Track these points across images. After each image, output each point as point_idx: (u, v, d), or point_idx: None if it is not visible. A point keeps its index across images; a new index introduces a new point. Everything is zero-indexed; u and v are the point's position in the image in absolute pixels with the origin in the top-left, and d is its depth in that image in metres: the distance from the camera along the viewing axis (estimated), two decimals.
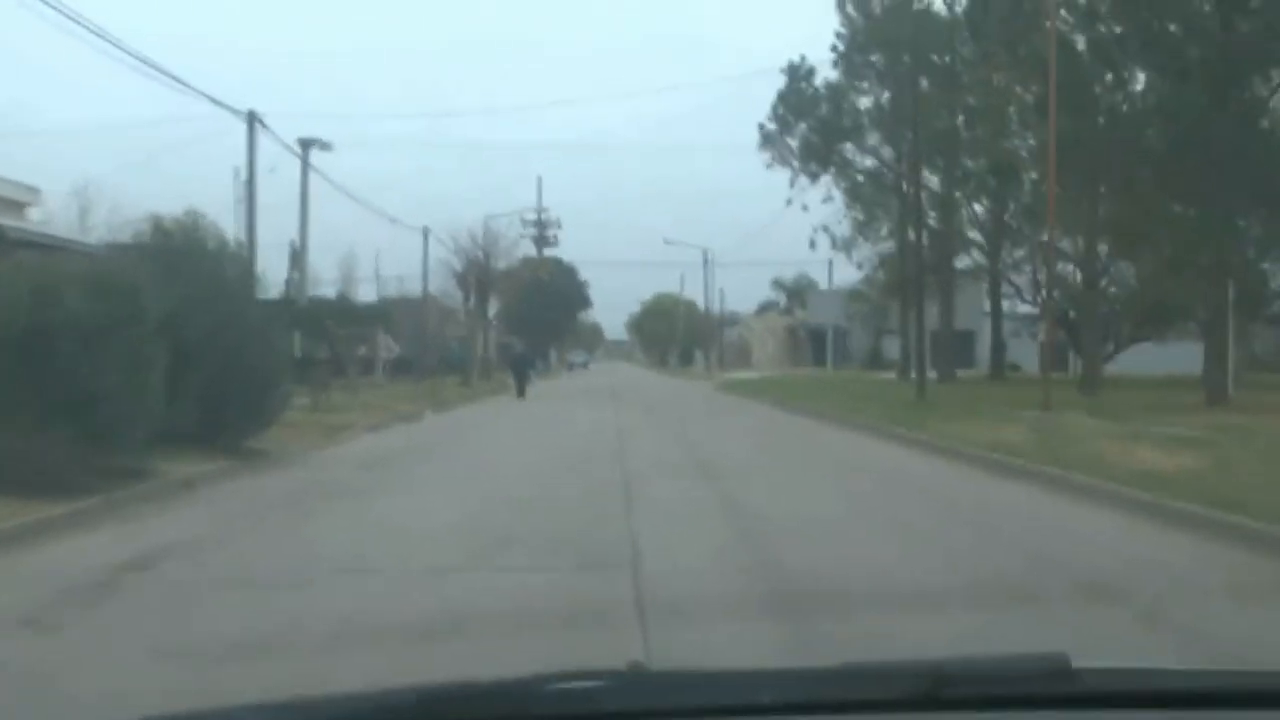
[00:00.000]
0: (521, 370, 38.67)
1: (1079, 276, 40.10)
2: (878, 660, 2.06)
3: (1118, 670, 2.07)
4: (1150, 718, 1.88)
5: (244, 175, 31.78)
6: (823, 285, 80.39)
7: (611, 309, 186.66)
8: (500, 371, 77.23)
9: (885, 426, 23.03)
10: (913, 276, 53.03)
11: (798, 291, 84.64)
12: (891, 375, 60.02)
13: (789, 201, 50.36)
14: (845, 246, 52.56)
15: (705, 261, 79.32)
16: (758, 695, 1.89)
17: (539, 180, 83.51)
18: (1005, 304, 69.87)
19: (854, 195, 52.71)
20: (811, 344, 74.38)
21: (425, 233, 49.28)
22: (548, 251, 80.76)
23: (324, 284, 65.96)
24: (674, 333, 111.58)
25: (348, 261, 68.00)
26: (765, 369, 72.86)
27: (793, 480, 14.87)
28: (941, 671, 1.89)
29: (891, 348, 72.89)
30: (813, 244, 52.54)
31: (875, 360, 71.05)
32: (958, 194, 50.30)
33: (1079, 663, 1.89)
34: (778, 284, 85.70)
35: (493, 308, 61.08)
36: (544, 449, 19.44)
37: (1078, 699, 1.88)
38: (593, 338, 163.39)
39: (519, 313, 77.93)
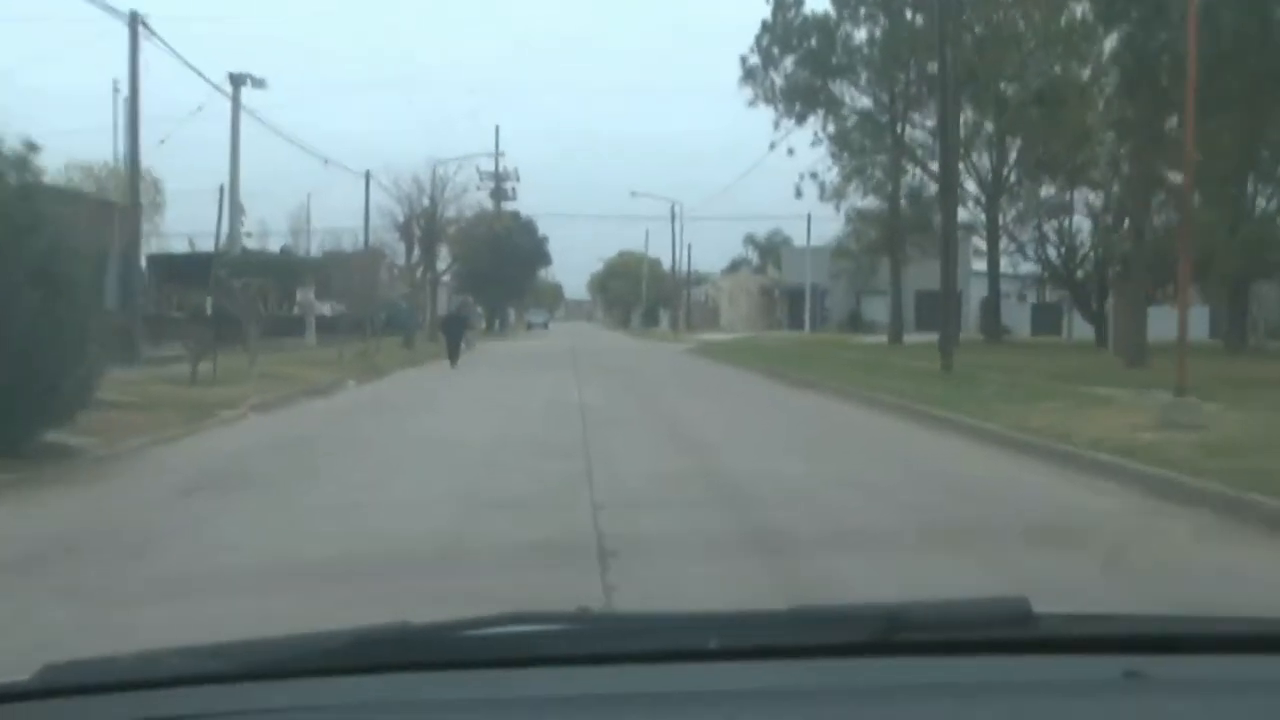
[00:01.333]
0: (454, 333, 31.88)
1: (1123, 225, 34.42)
2: (830, 604, 2.09)
3: (1078, 616, 1.99)
4: (1111, 662, 1.71)
5: (125, 91, 25.64)
6: (798, 243, 74.75)
7: (573, 268, 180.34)
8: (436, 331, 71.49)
9: (933, 410, 17.29)
10: (903, 231, 47.98)
11: (771, 249, 78.77)
12: (876, 338, 54.64)
13: (772, 145, 44.66)
14: (835, 195, 46.72)
15: (673, 216, 73.37)
16: (705, 640, 1.79)
17: (496, 130, 77.45)
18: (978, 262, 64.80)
19: (843, 140, 46.97)
20: (789, 304, 68.72)
21: (367, 178, 43.09)
22: (506, 206, 74.73)
23: (276, 236, 59.55)
24: (638, 292, 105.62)
25: (298, 214, 61.60)
26: (736, 330, 67.22)
27: (888, 522, 8.90)
28: (896, 615, 1.78)
29: (873, 309, 67.42)
30: (799, 192, 46.91)
31: (856, 322, 65.59)
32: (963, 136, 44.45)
33: (1040, 608, 1.78)
34: (750, 241, 79.88)
35: (444, 262, 55.00)
36: (477, 449, 13.23)
37: (1038, 643, 1.79)
38: (553, 297, 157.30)
39: (474, 270, 71.77)
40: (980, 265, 67.70)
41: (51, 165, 22.73)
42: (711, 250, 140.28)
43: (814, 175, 46.20)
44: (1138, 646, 1.79)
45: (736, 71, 43.73)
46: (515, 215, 73.66)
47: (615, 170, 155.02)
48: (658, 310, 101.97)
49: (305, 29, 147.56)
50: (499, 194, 74.58)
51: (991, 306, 52.37)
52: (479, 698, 1.64)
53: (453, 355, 30.33)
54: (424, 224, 39.29)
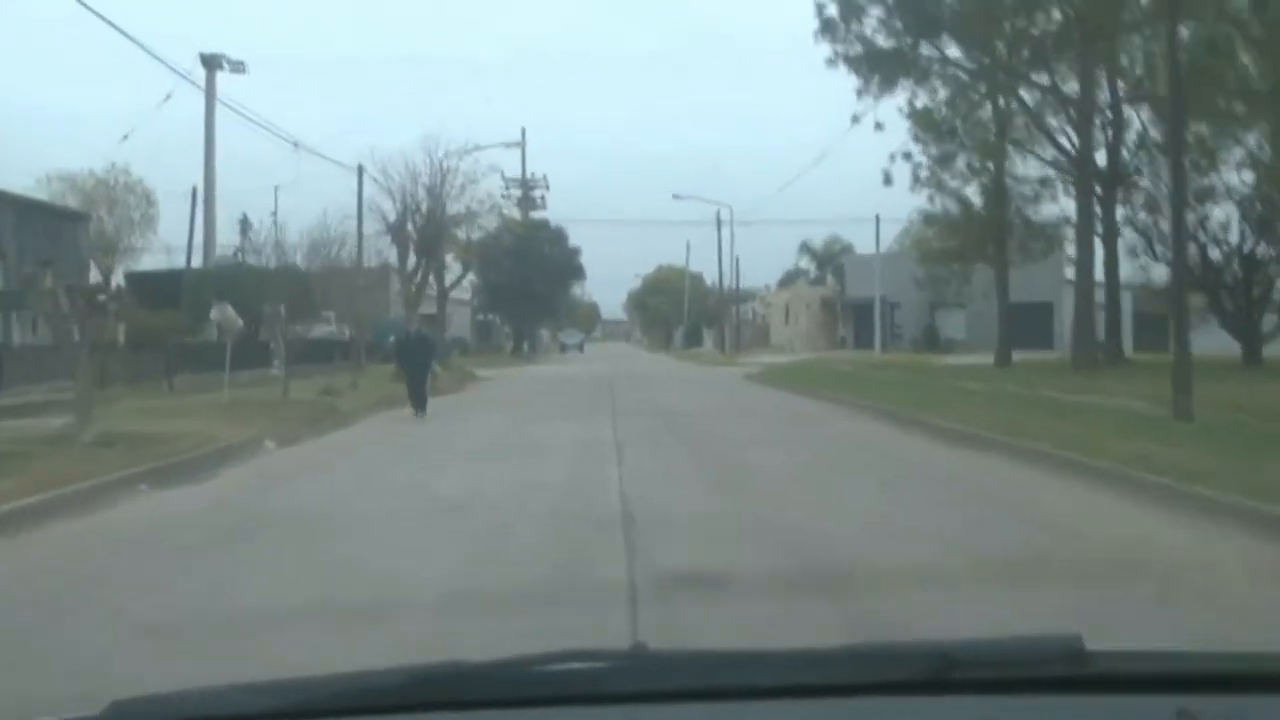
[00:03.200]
0: (416, 366, 20.74)
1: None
2: (884, 641, 2.02)
3: (1131, 652, 1.96)
4: (1164, 701, 1.70)
5: None
6: (861, 250, 65.62)
7: (608, 284, 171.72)
8: (471, 355, 62.64)
9: None
10: (1009, 227, 38.84)
11: (830, 258, 69.52)
12: (964, 359, 45.48)
13: (856, 119, 35.64)
14: (931, 183, 37.72)
15: (719, 222, 64.35)
16: (758, 678, 1.78)
17: (522, 132, 68.79)
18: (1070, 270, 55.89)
19: (927, 121, 37.93)
20: (854, 320, 59.50)
21: (360, 173, 34.32)
22: (535, 216, 66.11)
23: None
24: (679, 310, 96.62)
25: (307, 222, 53.15)
26: (796, 351, 58.12)
27: None
28: (950, 654, 1.77)
29: (950, 325, 58.18)
30: (888, 179, 37.87)
31: (932, 340, 56.33)
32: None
33: (1093, 645, 1.74)
34: (806, 250, 70.54)
35: (457, 274, 46.27)
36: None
37: (1090, 681, 1.77)
38: (589, 317, 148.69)
39: (496, 284, 63.14)
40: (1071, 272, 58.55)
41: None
42: (759, 264, 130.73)
43: (907, 156, 37.11)
44: (1189, 685, 1.75)
45: (810, 24, 34.47)
46: (544, 224, 64.99)
47: (652, 179, 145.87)
48: (701, 329, 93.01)
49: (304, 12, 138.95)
50: (526, 203, 66.00)
51: (1112, 319, 43.02)
52: None
53: (416, 398, 20.27)
54: (422, 224, 30.62)
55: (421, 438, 16.86)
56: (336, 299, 34.78)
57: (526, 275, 61.73)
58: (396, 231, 30.69)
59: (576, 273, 66.66)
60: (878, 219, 54.08)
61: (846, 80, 34.93)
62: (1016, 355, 47.92)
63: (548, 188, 66.94)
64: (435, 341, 20.16)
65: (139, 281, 43.20)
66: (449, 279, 42.79)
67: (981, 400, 20.18)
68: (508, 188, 66.32)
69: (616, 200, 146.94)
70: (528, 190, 66.74)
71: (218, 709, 1.73)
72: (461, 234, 37.36)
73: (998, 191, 37.51)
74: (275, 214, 32.95)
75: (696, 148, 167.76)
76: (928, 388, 24.29)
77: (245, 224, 48.94)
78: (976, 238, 42.05)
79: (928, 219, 62.18)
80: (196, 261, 42.36)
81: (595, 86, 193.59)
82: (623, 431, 16.60)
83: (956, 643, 1.82)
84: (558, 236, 64.96)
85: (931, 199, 38.94)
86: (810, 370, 36.98)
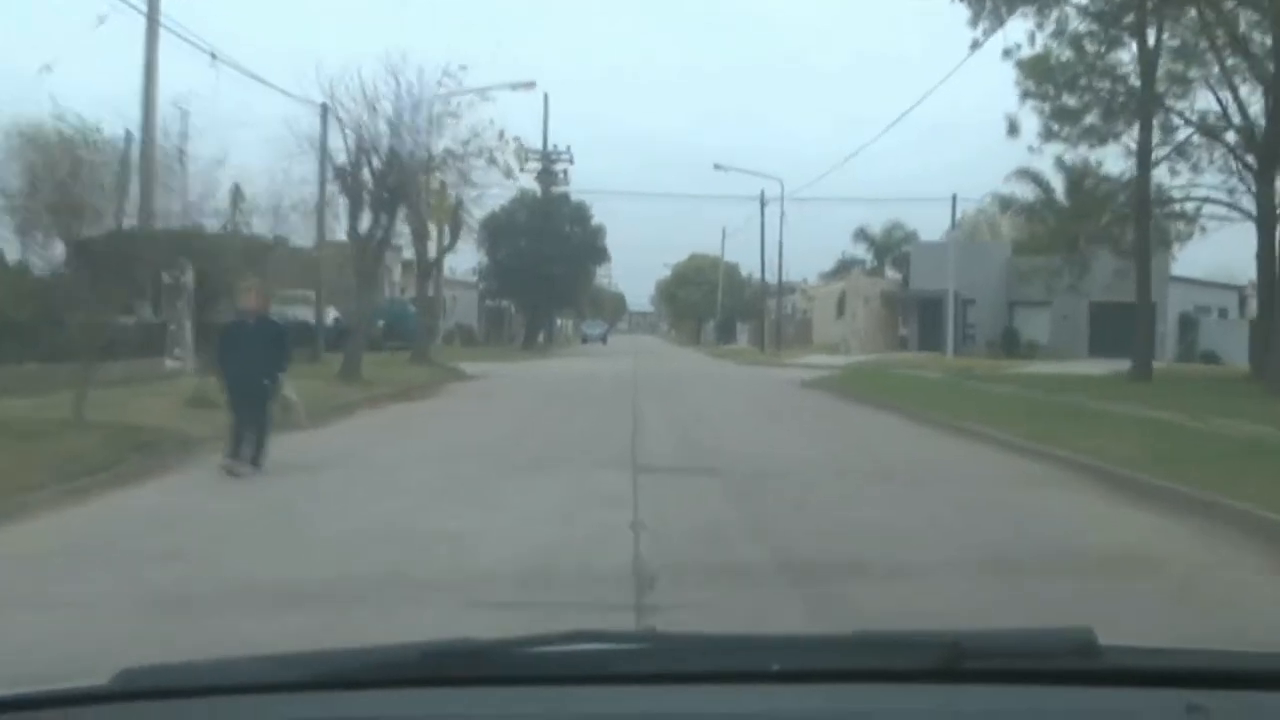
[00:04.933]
0: (248, 377, 10.74)
1: None
2: (894, 629, 1.91)
3: (1141, 648, 1.91)
4: (1173, 696, 1.66)
5: None
6: (926, 237, 56.83)
7: (636, 274, 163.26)
8: (476, 347, 54.28)
9: None
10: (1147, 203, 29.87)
11: (890, 247, 60.57)
12: (1060, 366, 36.91)
13: (975, 44, 27.20)
14: (1073, 133, 29.18)
15: (763, 202, 55.64)
16: (768, 662, 1.73)
17: (545, 98, 60.35)
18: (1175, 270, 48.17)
19: (1064, 59, 29.34)
20: (919, 317, 50.75)
21: (324, 113, 25.64)
22: (556, 192, 57.72)
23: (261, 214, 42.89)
24: (711, 302, 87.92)
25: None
26: (850, 350, 49.44)
27: None
28: (960, 643, 1.73)
29: (1031, 326, 49.43)
30: (1013, 127, 29.41)
31: (1011, 343, 47.60)
32: None
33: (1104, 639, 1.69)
34: (862, 236, 61.56)
35: (464, 251, 37.88)
36: None
37: (1100, 675, 1.73)
38: (616, 308, 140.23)
39: (507, 265, 54.71)
40: (1177, 270, 49.70)
41: None
42: (802, 255, 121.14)
43: (1036, 102, 28.64)
44: (1200, 681, 1.72)
45: None
46: (564, 198, 56.53)
47: (690, 156, 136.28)
48: (734, 323, 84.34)
49: None
50: (547, 177, 57.57)
51: (1261, 324, 34.25)
52: (543, 713, 1.63)
53: (243, 433, 10.73)
54: (381, 169, 21.92)
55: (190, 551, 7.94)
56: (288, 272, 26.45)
57: (542, 256, 53.28)
58: (345, 178, 22.15)
59: (599, 255, 58.06)
60: (954, 198, 45.51)
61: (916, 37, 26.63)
62: (1106, 363, 39.39)
63: (571, 161, 58.40)
64: (284, 338, 11.28)
65: (83, 250, 35.16)
66: (450, 258, 34.31)
67: (1245, 452, 11.68)
68: (526, 158, 58.12)
69: (647, 179, 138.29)
70: (549, 163, 58.37)
71: (228, 679, 1.69)
72: (448, 189, 28.64)
73: (1142, 156, 28.75)
74: (183, 151, 24.32)
75: (741, 119, 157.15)
76: (1106, 421, 15.69)
77: (237, 192, 40.67)
78: (1095, 217, 33.44)
79: (1003, 203, 53.48)
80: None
81: (628, 41, 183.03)
82: (656, 540, 7.66)
83: (967, 632, 1.79)
84: (579, 213, 56.42)
85: (1060, 161, 30.03)
86: (887, 379, 28.39)
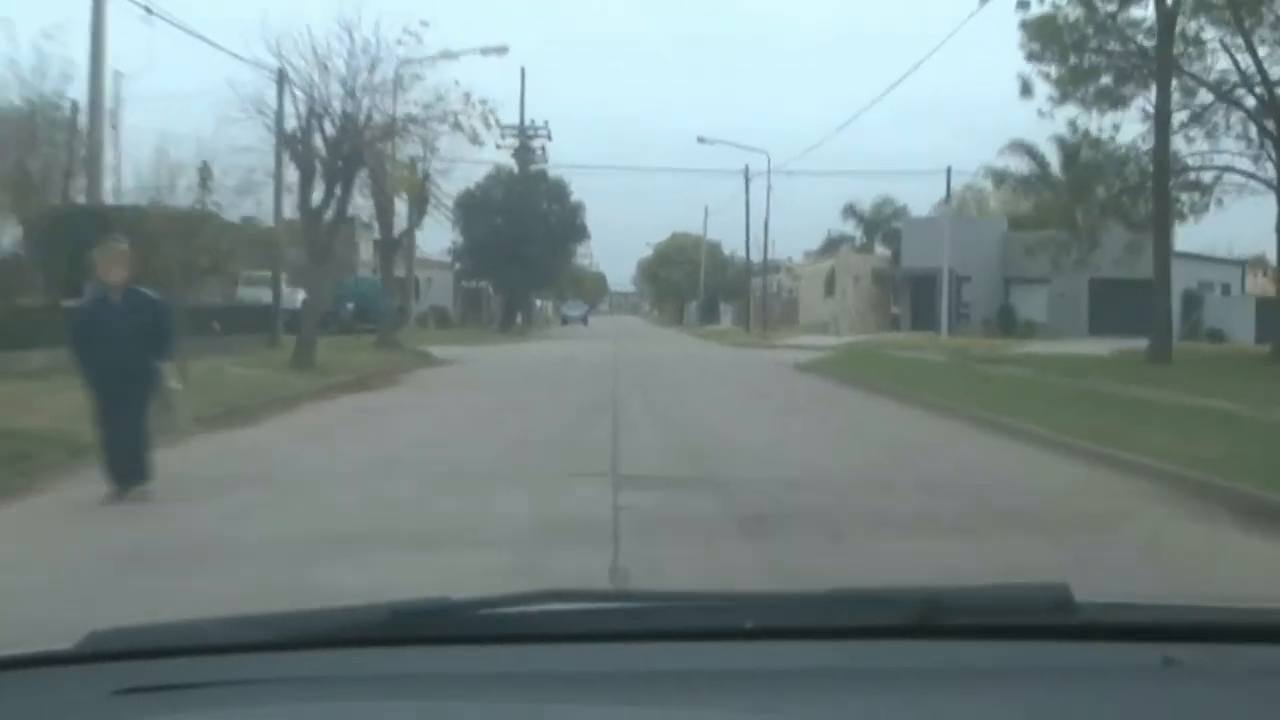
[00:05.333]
0: (119, 372, 8.25)
1: None
2: (871, 586, 1.84)
3: (1117, 603, 1.92)
4: (1149, 650, 1.67)
5: None
6: (917, 213, 54.76)
7: (617, 255, 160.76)
8: (452, 329, 52.01)
9: None
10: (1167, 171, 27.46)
11: (879, 223, 58.37)
12: (1064, 346, 34.98)
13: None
14: (1088, 95, 27.15)
15: (748, 179, 53.46)
16: (741, 620, 1.72)
17: (522, 72, 57.99)
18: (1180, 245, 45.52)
19: (1072, 20, 27.22)
20: (912, 296, 48.71)
21: (281, 81, 23.26)
22: (534, 170, 55.44)
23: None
24: (694, 282, 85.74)
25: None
26: (840, 331, 47.39)
27: None
28: (936, 599, 1.72)
29: (1029, 304, 47.42)
30: (1026, 88, 27.36)
31: (1008, 322, 45.63)
32: None
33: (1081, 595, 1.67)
34: (851, 213, 59.26)
35: (442, 228, 35.67)
36: None
37: (1076, 630, 1.73)
38: (597, 288, 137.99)
39: (482, 243, 52.44)
40: (1178, 245, 47.70)
41: None
42: (786, 233, 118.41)
43: (1051, 58, 26.61)
44: (1176, 635, 1.73)
45: None
46: (541, 175, 54.24)
47: (673, 133, 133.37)
48: (718, 303, 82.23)
49: None
50: (524, 154, 55.28)
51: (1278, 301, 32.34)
52: (514, 672, 1.61)
53: (122, 447, 8.20)
54: (334, 135, 19.59)
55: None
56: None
57: (519, 234, 51.01)
58: (295, 145, 19.83)
59: (578, 233, 55.75)
60: (948, 171, 43.57)
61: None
62: (1109, 343, 37.49)
63: (549, 137, 56.10)
64: (164, 316, 8.85)
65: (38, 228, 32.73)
66: (424, 238, 31.94)
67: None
68: (503, 134, 55.74)
69: (628, 157, 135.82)
70: (526, 139, 56.04)
71: (197, 640, 1.68)
72: (415, 162, 26.37)
73: (1160, 121, 26.67)
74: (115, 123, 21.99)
75: (726, 98, 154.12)
76: (1156, 413, 13.67)
77: (205, 171, 38.11)
78: (1094, 189, 31.48)
79: (996, 177, 51.42)
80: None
81: (608, 16, 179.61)
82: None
83: (943, 589, 1.79)
84: (557, 190, 54.17)
85: (1074, 126, 27.99)
86: (886, 362, 26.35)
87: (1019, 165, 53.34)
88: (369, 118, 19.99)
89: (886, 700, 1.51)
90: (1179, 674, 1.61)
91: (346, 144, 19.80)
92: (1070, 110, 29.01)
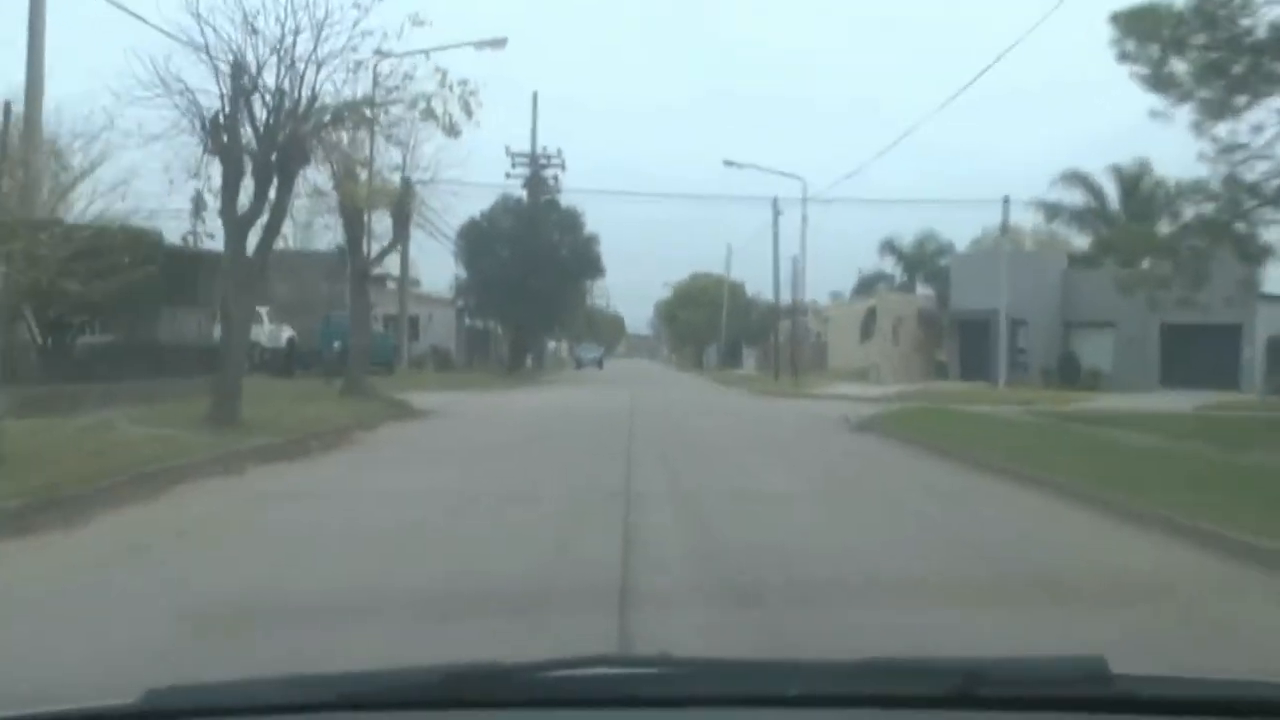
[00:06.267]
0: None
1: None
2: (913, 656, 1.88)
3: (1155, 677, 1.90)
4: None
5: None
6: (962, 248, 49.75)
7: (633, 298, 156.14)
8: (453, 371, 47.03)
9: None
10: None
11: (922, 261, 53.34)
12: (1124, 399, 30.11)
13: None
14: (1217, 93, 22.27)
15: (776, 211, 48.70)
16: (785, 687, 1.73)
17: (534, 96, 53.66)
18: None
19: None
20: (960, 340, 43.70)
21: (235, 73, 18.45)
22: (546, 200, 50.90)
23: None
24: (714, 324, 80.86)
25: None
26: (879, 379, 42.36)
27: None
28: (975, 670, 1.74)
29: (1091, 350, 42.35)
30: (1155, 113, 22.66)
31: (1070, 371, 40.57)
32: None
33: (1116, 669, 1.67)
34: (889, 249, 54.18)
35: (443, 259, 31.02)
36: None
37: (1113, 703, 1.71)
38: (614, 331, 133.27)
39: (487, 278, 47.78)
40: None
41: None
42: (813, 274, 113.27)
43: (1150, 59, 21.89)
44: (1213, 709, 1.69)
45: None
46: (552, 203, 49.67)
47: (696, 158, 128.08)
48: (740, 347, 77.29)
49: None
50: (536, 184, 50.77)
51: None
52: None
53: None
54: (269, 118, 14.76)
55: None
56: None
57: (528, 268, 46.35)
58: (217, 133, 15.02)
59: (593, 267, 50.92)
60: (1006, 200, 38.40)
61: None
62: (1192, 396, 32.58)
63: (563, 166, 51.63)
64: None
65: None
66: (427, 273, 26.85)
67: None
68: (513, 164, 51.24)
69: (646, 201, 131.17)
70: (538, 168, 51.53)
71: (252, 700, 1.67)
72: (390, 170, 21.57)
73: None
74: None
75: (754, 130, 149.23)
76: None
77: (199, 202, 33.52)
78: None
79: (1049, 210, 46.66)
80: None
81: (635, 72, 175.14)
82: None
83: (982, 660, 1.78)
84: (570, 221, 49.50)
85: (1201, 129, 23.03)
86: (960, 421, 21.43)
87: (1073, 197, 48.69)
88: (314, 97, 15.23)
89: None
90: None
91: (282, 131, 15.03)
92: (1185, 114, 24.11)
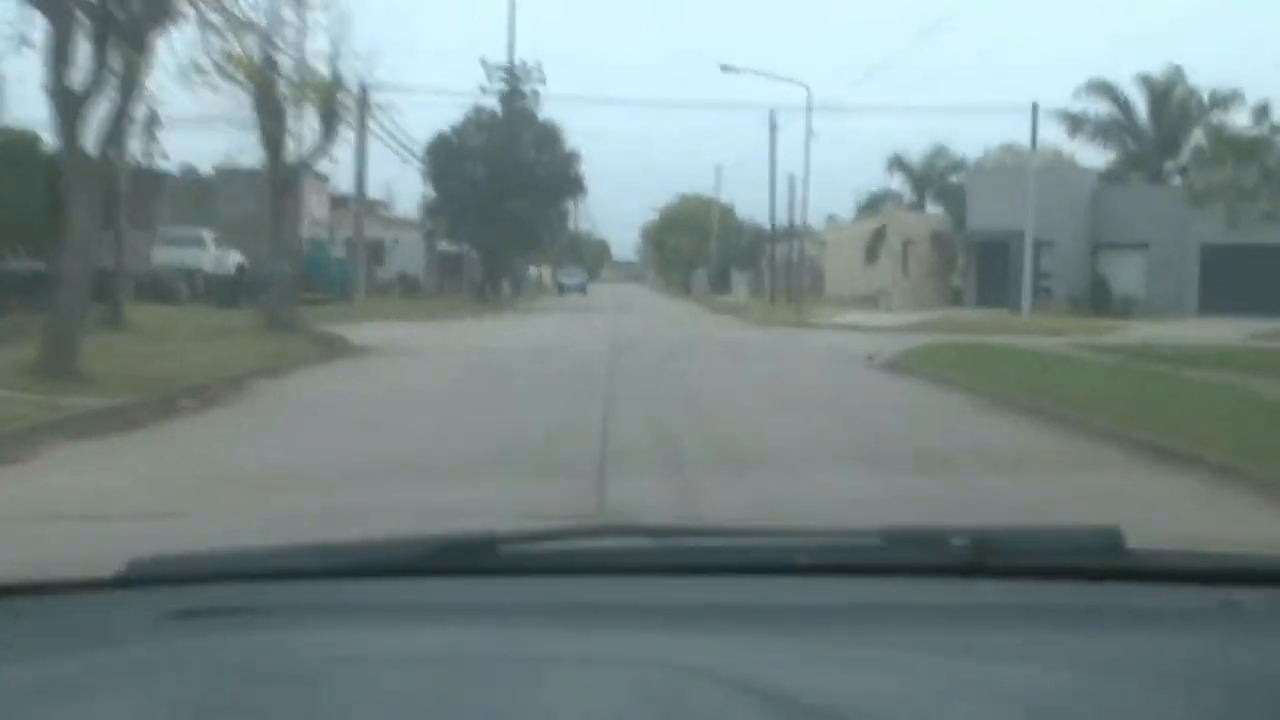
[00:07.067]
0: None
1: None
2: (922, 525, 1.77)
3: (1170, 549, 1.83)
4: (1206, 593, 1.60)
5: None
6: (981, 163, 45.48)
7: (619, 223, 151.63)
8: (423, 300, 42.90)
9: None
10: None
11: (932, 177, 49.05)
12: (1164, 327, 26.39)
13: None
14: None
15: (773, 124, 44.28)
16: (794, 556, 1.70)
17: (511, 3, 48.84)
18: None
19: None
20: (978, 265, 39.67)
21: None
22: (521, 111, 46.38)
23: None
24: (703, 250, 76.58)
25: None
26: (889, 306, 38.41)
27: None
28: (987, 538, 1.66)
29: (1122, 276, 38.40)
30: None
31: (1101, 298, 36.66)
32: None
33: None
34: (897, 164, 49.75)
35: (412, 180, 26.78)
36: None
37: (1127, 572, 1.66)
38: (598, 256, 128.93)
39: (459, 199, 43.50)
40: None
41: None
42: (808, 196, 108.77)
43: None
44: (1234, 579, 1.65)
45: None
46: (528, 116, 45.20)
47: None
48: (730, 272, 73.12)
49: None
50: (513, 99, 46.18)
51: None
52: (564, 604, 1.58)
53: None
54: None
55: None
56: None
57: (502, 187, 42.09)
58: None
59: (573, 186, 46.57)
60: (1034, 108, 34.10)
61: None
62: (1233, 324, 28.90)
63: (543, 80, 46.90)
64: None
65: None
66: (397, 192, 22.41)
67: None
68: (490, 79, 46.66)
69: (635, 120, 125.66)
70: (515, 82, 46.89)
71: (239, 567, 1.66)
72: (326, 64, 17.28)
73: None
74: None
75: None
76: None
77: (154, 118, 29.58)
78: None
79: (1073, 122, 42.46)
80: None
81: None
82: None
83: (993, 528, 1.72)
84: (547, 136, 45.05)
85: None
86: (1009, 357, 17.55)
87: (1099, 109, 44.51)
88: None
89: (935, 637, 1.49)
90: (1239, 616, 1.55)
91: None
92: None
